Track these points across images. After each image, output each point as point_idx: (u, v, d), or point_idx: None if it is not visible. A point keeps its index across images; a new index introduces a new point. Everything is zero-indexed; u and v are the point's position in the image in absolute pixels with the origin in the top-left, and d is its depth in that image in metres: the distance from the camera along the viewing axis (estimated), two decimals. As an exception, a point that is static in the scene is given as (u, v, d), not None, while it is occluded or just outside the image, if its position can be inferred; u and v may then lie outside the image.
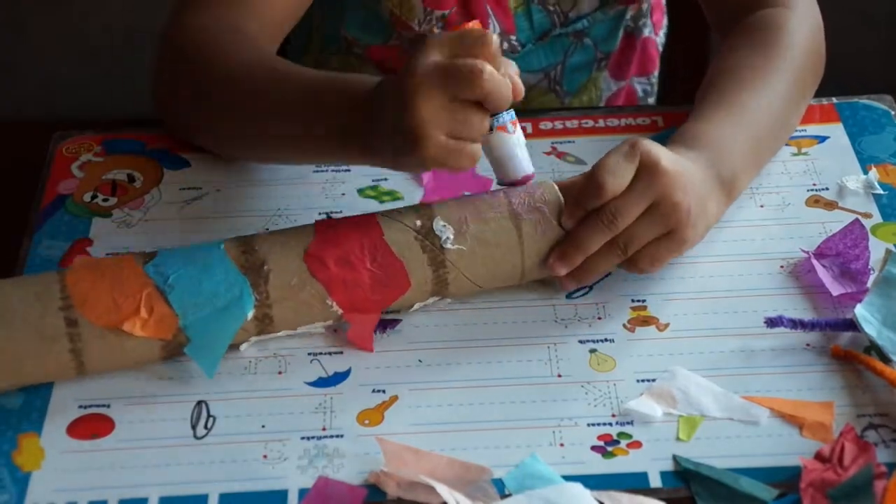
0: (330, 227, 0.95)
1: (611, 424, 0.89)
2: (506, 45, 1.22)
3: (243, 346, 0.94)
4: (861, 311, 0.93)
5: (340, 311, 0.94)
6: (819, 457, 0.86)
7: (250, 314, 0.92)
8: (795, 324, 0.94)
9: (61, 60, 2.15)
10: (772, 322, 0.95)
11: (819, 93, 1.15)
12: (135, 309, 0.90)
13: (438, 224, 0.95)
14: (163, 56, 1.08)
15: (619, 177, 0.93)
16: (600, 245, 0.94)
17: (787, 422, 0.88)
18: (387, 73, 1.16)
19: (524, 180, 0.96)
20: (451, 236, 0.94)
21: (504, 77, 0.90)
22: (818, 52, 1.13)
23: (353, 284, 0.93)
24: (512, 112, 0.94)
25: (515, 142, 0.95)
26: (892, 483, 0.82)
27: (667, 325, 0.96)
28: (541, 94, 1.28)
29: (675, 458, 0.86)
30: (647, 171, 0.93)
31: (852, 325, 0.93)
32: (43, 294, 0.89)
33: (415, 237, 0.94)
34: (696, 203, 0.95)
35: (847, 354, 0.93)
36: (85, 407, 0.90)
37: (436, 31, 1.19)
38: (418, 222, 0.95)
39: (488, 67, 0.88)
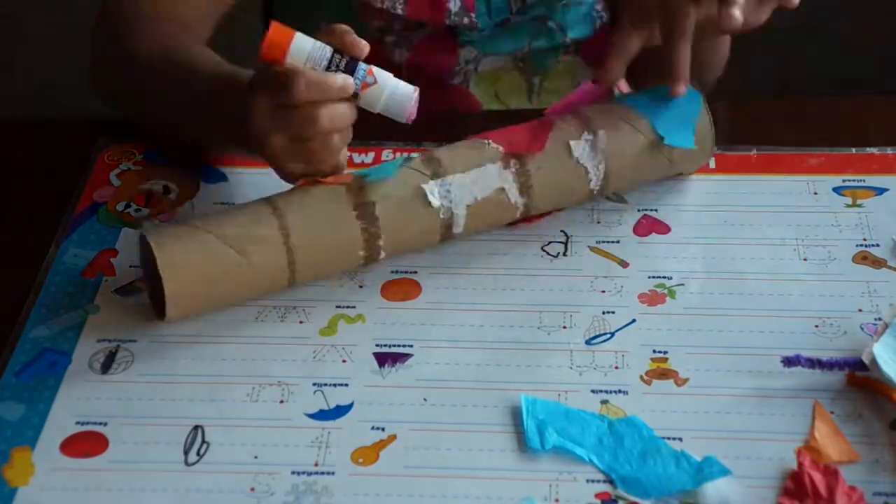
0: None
1: (611, 482, 0.85)
2: (466, 21, 1.21)
3: (428, 189, 0.98)
4: (878, 351, 0.89)
5: (501, 149, 1.01)
6: (789, 493, 0.83)
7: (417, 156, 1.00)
8: (813, 363, 0.91)
9: (61, 60, 2.17)
10: (789, 361, 0.91)
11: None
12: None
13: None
14: (93, 44, 1.15)
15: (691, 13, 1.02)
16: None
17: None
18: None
19: (415, 104, 0.96)
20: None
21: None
22: None
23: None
24: (362, 66, 0.94)
25: (383, 86, 0.95)
26: None
27: (686, 381, 0.92)
28: (507, 72, 1.27)
29: None
30: None
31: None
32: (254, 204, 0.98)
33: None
34: None
35: (863, 382, 0.90)
36: (82, 424, 0.89)
37: (397, 7, 1.19)
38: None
39: (300, 73, 0.91)
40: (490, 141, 1.01)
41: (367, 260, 0.99)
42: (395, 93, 0.95)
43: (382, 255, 0.99)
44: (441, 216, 1.00)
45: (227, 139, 1.03)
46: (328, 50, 0.93)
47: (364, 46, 0.94)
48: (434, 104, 1.11)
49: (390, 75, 0.95)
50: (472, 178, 1.00)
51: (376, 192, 0.98)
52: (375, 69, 0.95)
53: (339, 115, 0.93)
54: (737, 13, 0.98)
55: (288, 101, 0.92)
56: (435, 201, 0.99)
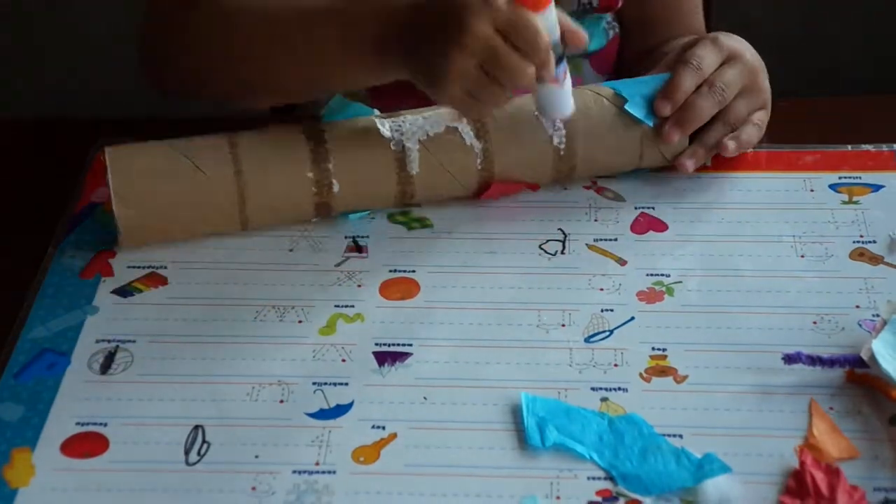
0: None
1: (611, 479, 0.85)
2: None
3: (378, 122, 1.03)
4: (877, 347, 0.89)
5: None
6: (791, 491, 0.83)
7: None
8: (814, 360, 0.91)
9: (62, 59, 2.17)
10: (790, 359, 0.91)
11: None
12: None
13: None
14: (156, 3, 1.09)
15: (712, 62, 1.06)
16: (712, 114, 1.06)
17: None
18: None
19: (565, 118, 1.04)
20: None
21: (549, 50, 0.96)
22: None
23: None
24: (564, 63, 0.99)
25: (564, 91, 1.00)
26: None
27: (685, 378, 0.92)
28: None
29: None
30: (736, 59, 1.06)
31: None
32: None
33: None
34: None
35: (862, 379, 0.90)
36: (82, 424, 0.89)
37: None
38: None
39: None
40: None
41: (320, 188, 1.02)
42: (565, 101, 1.01)
43: (336, 186, 1.02)
44: (392, 148, 1.02)
45: (359, 42, 1.01)
46: (558, 32, 0.97)
47: (585, 40, 0.99)
48: None
49: (570, 87, 1.01)
50: (425, 116, 1.03)
51: (328, 124, 1.03)
52: (568, 73, 0.99)
53: (530, 79, 0.96)
54: (732, 147, 1.07)
55: (521, 44, 0.94)
56: (385, 132, 1.02)
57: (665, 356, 0.94)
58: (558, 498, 0.84)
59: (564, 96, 1.01)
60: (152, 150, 1.01)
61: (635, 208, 1.07)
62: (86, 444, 0.88)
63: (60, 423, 0.89)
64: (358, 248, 1.03)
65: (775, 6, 2.15)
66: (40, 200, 1.08)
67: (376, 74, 1.03)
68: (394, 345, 0.95)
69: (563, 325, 0.96)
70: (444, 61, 0.95)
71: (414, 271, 1.01)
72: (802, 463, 0.84)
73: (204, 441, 0.88)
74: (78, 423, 0.89)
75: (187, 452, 0.87)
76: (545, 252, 1.03)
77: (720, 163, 1.10)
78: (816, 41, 2.15)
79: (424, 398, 0.91)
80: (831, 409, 0.89)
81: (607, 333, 0.96)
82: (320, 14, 1.02)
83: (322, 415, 0.90)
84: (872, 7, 2.18)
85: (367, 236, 1.04)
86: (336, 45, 1.01)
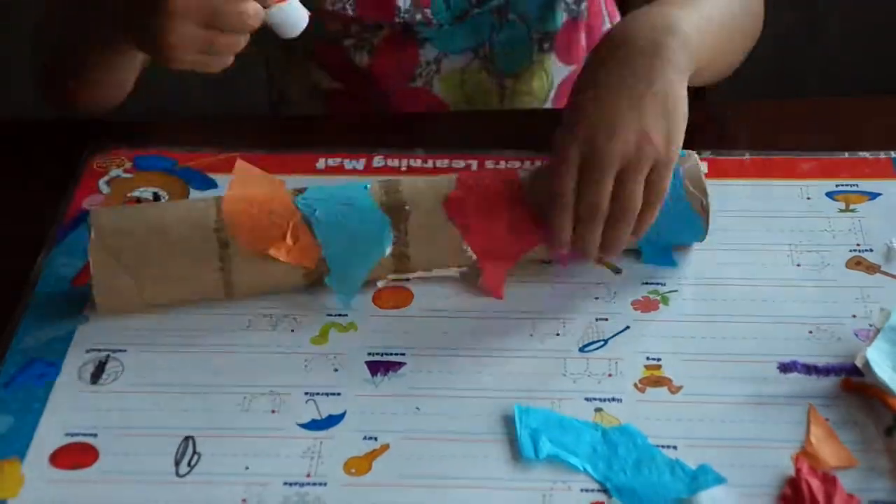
0: (472, 177, 0.99)
1: (605, 491, 0.85)
2: (419, 17, 1.20)
3: (380, 283, 0.98)
4: (871, 355, 0.89)
5: (474, 258, 0.98)
6: (786, 499, 0.83)
7: (388, 251, 0.96)
8: (809, 369, 0.91)
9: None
10: (785, 367, 0.91)
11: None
12: (281, 236, 0.95)
13: None
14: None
15: (573, 181, 0.93)
16: (600, 228, 0.94)
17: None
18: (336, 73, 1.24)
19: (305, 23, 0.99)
20: None
21: None
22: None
23: (489, 232, 0.97)
24: None
25: (291, 6, 0.98)
26: None
27: (680, 388, 0.91)
28: (474, 73, 1.25)
29: None
30: (590, 162, 0.93)
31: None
32: (200, 219, 0.95)
33: None
34: (641, 132, 0.93)
35: (858, 387, 0.90)
36: (72, 435, 0.89)
37: (347, 7, 1.18)
38: None
39: None
40: (469, 248, 0.98)
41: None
42: (295, 16, 0.97)
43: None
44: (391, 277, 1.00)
45: (106, 22, 1.01)
46: None
47: None
48: (401, 107, 1.09)
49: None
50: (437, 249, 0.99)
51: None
52: None
53: (258, 15, 0.94)
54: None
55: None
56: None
57: (660, 366, 0.93)
58: (551, 510, 0.84)
59: (293, 11, 0.98)
60: (138, 252, 0.95)
61: (630, 216, 1.06)
62: (75, 455, 0.87)
63: (50, 434, 0.89)
64: (351, 256, 1.02)
65: (775, 6, 2.14)
66: (40, 201, 1.07)
67: (130, 54, 1.04)
68: (387, 354, 0.94)
69: (558, 335, 0.96)
70: (160, 34, 0.92)
71: (407, 280, 1.00)
72: (798, 471, 0.84)
73: (195, 452, 0.87)
74: (68, 434, 0.89)
75: (178, 463, 0.87)
76: (540, 261, 1.02)
77: (716, 169, 1.09)
78: (816, 41, 2.14)
79: (417, 409, 0.90)
80: (827, 419, 0.88)
81: (602, 343, 0.95)
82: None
83: (314, 425, 0.89)
84: (872, 7, 2.18)
85: (361, 244, 1.03)
86: (92, 30, 1.03)
